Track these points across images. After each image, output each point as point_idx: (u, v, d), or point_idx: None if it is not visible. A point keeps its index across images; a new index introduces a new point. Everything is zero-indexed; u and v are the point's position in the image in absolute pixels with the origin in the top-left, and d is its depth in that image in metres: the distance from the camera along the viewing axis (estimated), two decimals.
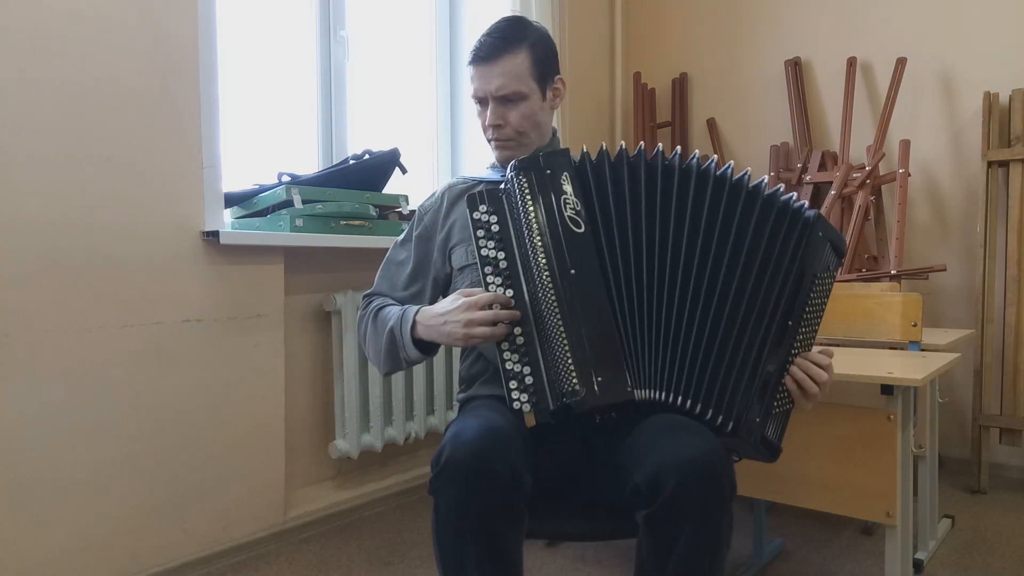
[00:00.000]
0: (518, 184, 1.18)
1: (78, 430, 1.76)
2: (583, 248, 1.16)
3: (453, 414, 2.63)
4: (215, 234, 1.96)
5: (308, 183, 2.23)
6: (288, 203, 2.13)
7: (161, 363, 1.91)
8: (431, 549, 2.13)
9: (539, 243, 1.16)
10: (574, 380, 1.12)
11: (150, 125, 1.87)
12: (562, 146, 1.33)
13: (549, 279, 1.15)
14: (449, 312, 1.19)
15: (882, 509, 1.52)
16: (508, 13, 2.93)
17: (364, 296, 1.44)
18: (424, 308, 1.27)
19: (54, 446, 1.72)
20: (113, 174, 1.81)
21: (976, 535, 2.17)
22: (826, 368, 1.20)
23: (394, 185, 2.47)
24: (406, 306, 1.32)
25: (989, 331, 2.59)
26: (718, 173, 1.20)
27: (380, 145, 2.42)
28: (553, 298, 1.14)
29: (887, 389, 1.50)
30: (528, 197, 1.17)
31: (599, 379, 1.13)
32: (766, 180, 1.22)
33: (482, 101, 1.34)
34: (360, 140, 2.64)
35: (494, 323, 1.14)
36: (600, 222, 1.18)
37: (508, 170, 1.21)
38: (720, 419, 1.15)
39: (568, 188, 1.18)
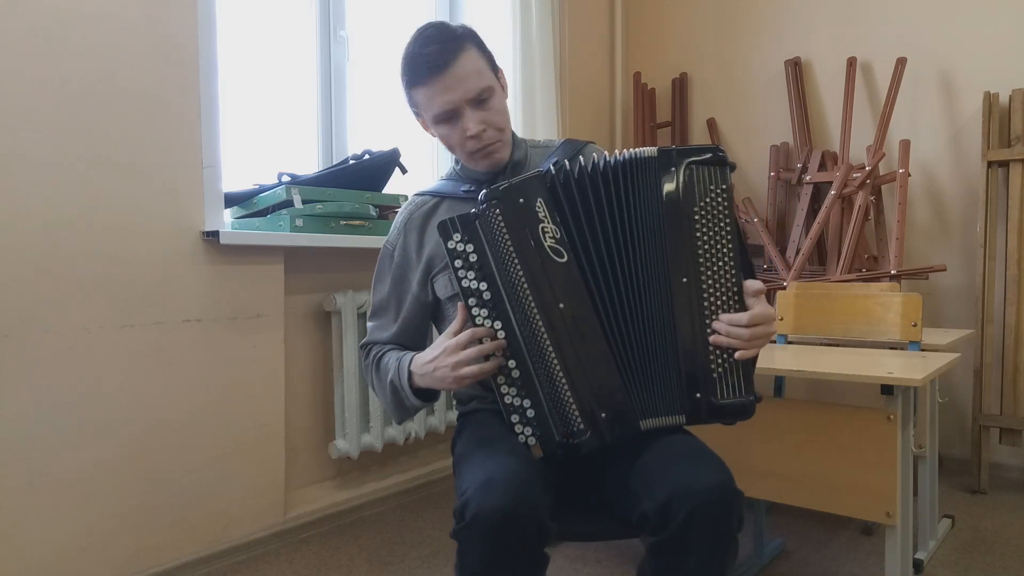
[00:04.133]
0: (492, 216, 1.12)
1: (78, 430, 1.76)
2: (568, 279, 1.12)
3: (453, 414, 2.63)
4: (215, 234, 1.96)
5: (308, 183, 2.23)
6: (288, 203, 2.13)
7: (161, 363, 1.91)
8: (431, 549, 2.14)
9: (523, 278, 1.11)
10: (578, 420, 1.12)
11: (150, 125, 1.87)
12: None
13: (539, 317, 1.11)
14: (437, 358, 1.15)
15: (882, 509, 1.53)
16: (508, 13, 2.97)
17: (361, 346, 1.40)
18: (417, 356, 1.21)
19: (54, 446, 1.72)
20: (113, 174, 1.81)
21: (976, 535, 2.16)
22: (752, 320, 1.08)
23: (394, 185, 2.47)
24: (402, 355, 1.26)
25: (989, 331, 2.59)
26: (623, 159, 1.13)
27: (380, 145, 2.42)
28: (546, 337, 1.12)
29: (887, 389, 1.50)
30: (505, 231, 1.11)
31: (604, 415, 1.12)
32: (643, 149, 1.13)
33: (451, 115, 1.20)
34: (360, 140, 2.64)
35: (484, 358, 1.12)
36: (580, 247, 1.12)
37: (480, 198, 1.13)
38: (678, 418, 1.14)
39: (544, 215, 1.12)
